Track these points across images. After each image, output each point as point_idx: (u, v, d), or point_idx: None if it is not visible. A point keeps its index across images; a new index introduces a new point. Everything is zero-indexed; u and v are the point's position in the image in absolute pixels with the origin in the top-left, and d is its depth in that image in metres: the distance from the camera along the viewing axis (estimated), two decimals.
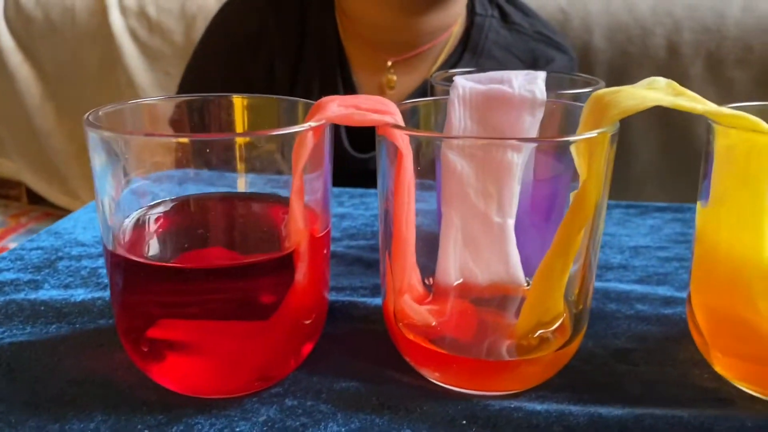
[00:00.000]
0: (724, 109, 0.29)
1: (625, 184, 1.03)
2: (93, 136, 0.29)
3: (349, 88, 0.84)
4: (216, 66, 0.90)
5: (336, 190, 0.64)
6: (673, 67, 0.97)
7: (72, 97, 1.48)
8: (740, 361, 0.33)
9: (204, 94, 0.36)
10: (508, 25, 0.85)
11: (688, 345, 0.37)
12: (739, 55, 0.94)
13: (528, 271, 0.36)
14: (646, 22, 0.98)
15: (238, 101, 0.36)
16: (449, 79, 0.45)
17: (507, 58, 0.84)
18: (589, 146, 0.30)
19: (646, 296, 0.42)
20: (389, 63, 0.84)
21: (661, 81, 0.32)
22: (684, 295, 0.42)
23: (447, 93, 0.38)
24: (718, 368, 0.35)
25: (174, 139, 0.29)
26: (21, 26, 1.45)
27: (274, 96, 0.36)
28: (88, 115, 0.30)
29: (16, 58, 1.47)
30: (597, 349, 0.37)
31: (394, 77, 0.85)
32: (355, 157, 0.87)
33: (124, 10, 1.35)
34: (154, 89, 1.36)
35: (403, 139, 0.30)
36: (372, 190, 0.66)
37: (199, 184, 0.35)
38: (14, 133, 1.59)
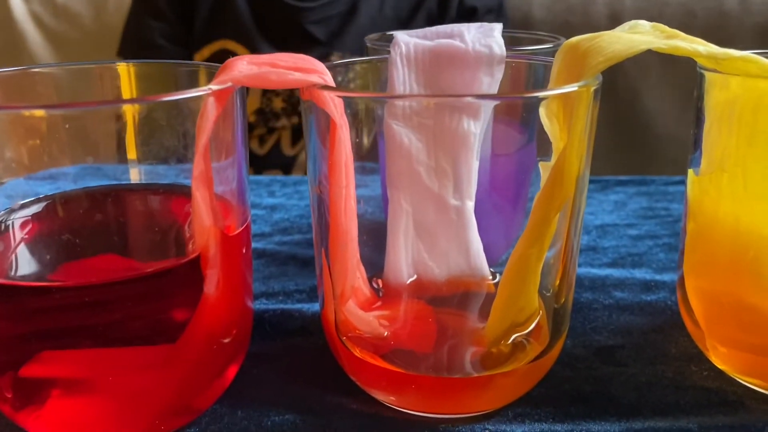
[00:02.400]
0: (732, 52, 0.23)
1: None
2: None
3: None
4: (155, 22, 0.88)
5: (265, 178, 0.57)
6: None
7: None
8: (744, 352, 0.28)
9: (77, 64, 0.28)
10: None
11: (679, 337, 0.32)
12: (683, 21, 0.91)
13: (492, 261, 0.30)
14: None
15: (125, 69, 0.29)
16: (387, 40, 0.38)
17: None
18: (568, 104, 0.24)
19: (623, 282, 0.37)
20: None
21: (645, 24, 0.26)
22: (665, 278, 0.37)
23: (386, 51, 0.31)
24: (718, 362, 0.30)
25: (29, 113, 0.22)
26: None
27: (170, 61, 0.29)
28: None
29: None
30: (577, 348, 0.31)
31: None
32: (287, 5, 0.85)
33: None
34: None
35: (336, 105, 0.23)
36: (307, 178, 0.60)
37: (83, 179, 0.27)
38: None
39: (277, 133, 0.89)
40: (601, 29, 0.77)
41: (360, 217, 0.26)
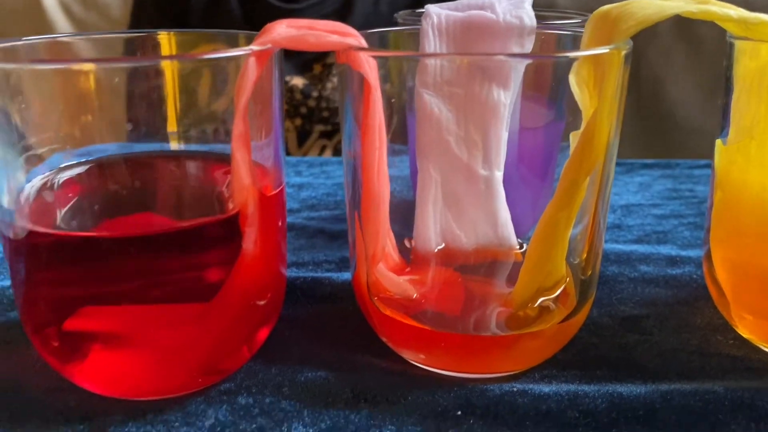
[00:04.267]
0: (764, 16, 0.24)
1: None
2: None
3: None
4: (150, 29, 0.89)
5: (293, 159, 0.58)
6: None
7: None
8: None
9: (126, 31, 0.29)
10: None
11: (705, 308, 0.32)
12: None
13: (519, 232, 0.31)
14: None
15: (165, 38, 0.30)
16: (417, 16, 0.39)
17: None
18: (598, 69, 0.24)
19: (648, 257, 0.37)
20: None
21: None
22: (691, 253, 0.37)
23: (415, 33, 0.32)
24: (744, 331, 0.30)
25: (77, 67, 0.22)
26: None
27: (211, 30, 0.29)
28: None
29: None
30: (603, 318, 0.32)
31: None
32: (276, 7, 0.86)
33: None
34: None
35: (371, 67, 0.24)
36: (334, 158, 0.60)
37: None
38: None
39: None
40: None
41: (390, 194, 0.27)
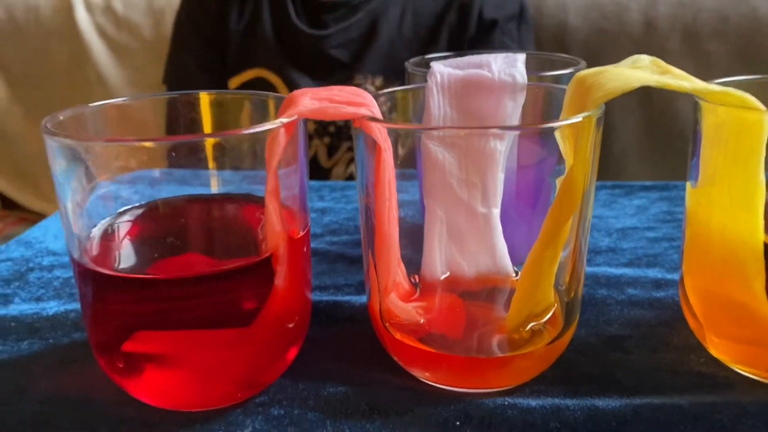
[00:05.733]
0: (713, 86, 0.28)
1: (607, 162, 1.02)
2: (51, 144, 0.28)
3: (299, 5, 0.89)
4: (191, 53, 0.96)
5: (315, 183, 0.62)
6: (650, 43, 0.96)
7: (40, 98, 1.44)
8: (736, 343, 0.33)
9: (171, 93, 0.34)
10: None
11: (682, 329, 0.36)
12: (716, 27, 0.93)
13: (516, 260, 0.35)
14: None
15: (206, 98, 0.34)
16: (425, 65, 0.44)
17: None
18: (575, 131, 0.28)
19: (637, 280, 0.41)
20: None
21: (645, 59, 0.30)
22: (675, 276, 0.41)
23: (423, 79, 0.36)
24: (714, 352, 0.34)
25: (138, 144, 0.27)
26: None
27: (245, 91, 0.34)
28: (45, 122, 0.28)
29: None
30: (590, 337, 0.36)
31: None
32: (306, 34, 0.91)
33: (89, 6, 1.31)
34: (125, 85, 1.33)
35: (381, 132, 0.29)
36: (352, 183, 0.65)
37: (171, 184, 0.33)
38: None
39: (313, 148, 0.95)
40: (634, 36, 0.85)
41: (401, 219, 0.31)
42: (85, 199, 0.30)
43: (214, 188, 0.34)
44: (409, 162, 0.34)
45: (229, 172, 0.33)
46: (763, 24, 0.92)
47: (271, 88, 0.92)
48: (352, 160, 0.95)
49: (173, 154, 0.27)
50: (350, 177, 0.95)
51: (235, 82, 0.94)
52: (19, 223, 1.64)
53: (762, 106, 0.28)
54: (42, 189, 1.56)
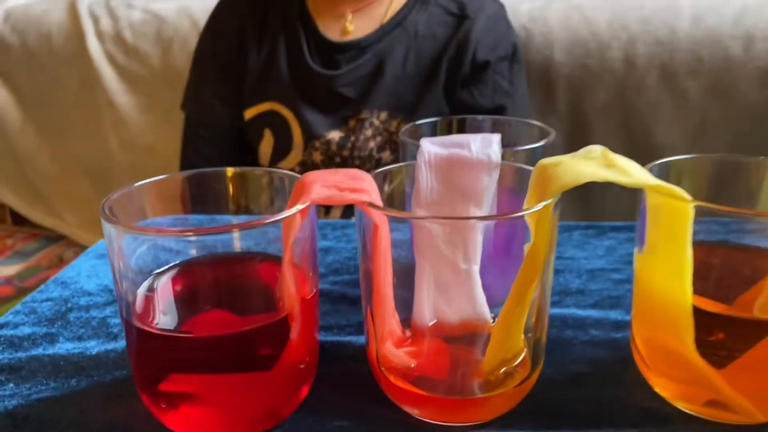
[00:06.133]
0: (649, 179, 0.34)
1: (588, 187, 1.08)
2: (109, 228, 0.34)
3: (311, 37, 0.98)
4: (211, 84, 1.04)
5: (320, 222, 0.69)
6: (629, 79, 1.02)
7: (52, 120, 1.50)
8: (675, 382, 0.39)
9: (200, 171, 0.41)
10: None
11: (633, 367, 0.42)
12: (691, 66, 1.00)
13: (493, 303, 0.41)
14: (603, 37, 1.03)
15: (230, 173, 0.41)
16: (416, 134, 0.50)
17: (448, 5, 1.00)
18: (537, 215, 0.35)
19: (600, 321, 0.48)
20: (348, 14, 0.99)
21: (596, 150, 0.37)
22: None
23: (414, 146, 0.43)
24: (657, 389, 0.40)
25: (180, 234, 0.34)
26: None
27: (263, 169, 0.41)
28: (104, 205, 0.35)
29: None
30: (555, 375, 0.42)
31: (352, 26, 0.99)
32: (319, 73, 0.98)
33: (100, 35, 1.38)
34: (134, 110, 1.39)
35: (378, 216, 0.35)
36: (353, 222, 0.71)
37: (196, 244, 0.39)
38: None
39: None
40: (615, 72, 0.95)
41: (395, 260, 0.37)
42: (127, 264, 0.36)
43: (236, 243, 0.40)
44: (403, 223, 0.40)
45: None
46: (735, 63, 0.99)
47: (283, 120, 0.99)
48: None
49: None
50: (349, 211, 1.01)
51: (250, 112, 1.01)
52: (30, 239, 1.70)
53: (688, 197, 0.34)
54: (52, 206, 1.62)
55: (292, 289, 0.35)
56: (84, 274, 0.57)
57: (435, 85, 0.96)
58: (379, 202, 0.36)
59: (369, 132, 0.96)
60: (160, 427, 0.37)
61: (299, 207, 0.34)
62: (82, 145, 1.49)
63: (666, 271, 0.36)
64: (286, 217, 0.34)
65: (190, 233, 0.33)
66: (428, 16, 0.98)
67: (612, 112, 1.04)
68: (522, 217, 0.35)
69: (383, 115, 0.97)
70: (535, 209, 0.34)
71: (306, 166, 0.99)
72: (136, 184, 0.38)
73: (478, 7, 0.97)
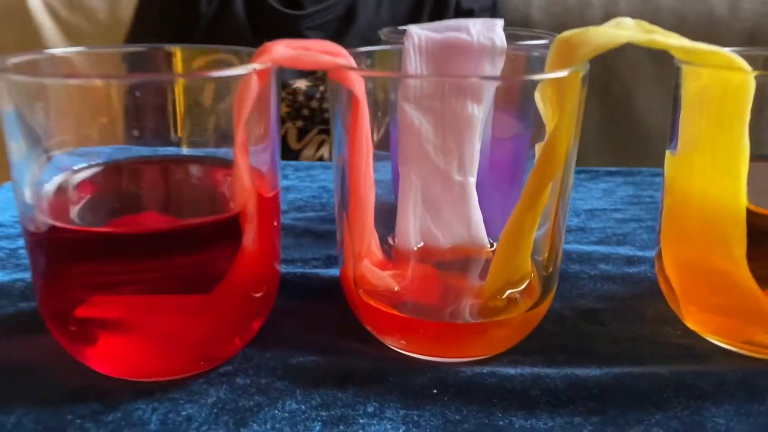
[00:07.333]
0: (701, 45, 0.27)
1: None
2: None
3: None
4: (155, 40, 0.92)
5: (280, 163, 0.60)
6: None
7: None
8: (713, 315, 0.32)
9: (135, 46, 0.32)
10: None
11: (657, 303, 0.35)
12: (674, 25, 0.94)
13: (490, 234, 0.34)
14: None
15: (175, 52, 0.33)
16: (398, 33, 0.42)
17: None
18: (560, 88, 0.28)
19: (608, 256, 0.41)
20: None
21: (628, 21, 0.30)
22: (647, 254, 0.41)
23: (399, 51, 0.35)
24: (690, 323, 0.33)
25: (100, 82, 0.25)
26: None
27: (215, 45, 0.32)
28: None
29: None
30: (564, 310, 0.35)
31: None
32: (281, 13, 0.88)
33: None
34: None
35: (358, 84, 0.27)
36: (318, 163, 0.63)
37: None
38: None
39: (283, 129, 0.93)
40: None
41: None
42: (40, 170, 0.28)
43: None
44: (381, 138, 0.33)
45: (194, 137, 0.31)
46: (720, 22, 0.94)
47: None
48: (322, 143, 0.93)
49: (137, 96, 0.25)
50: (320, 160, 0.93)
51: (195, 64, 0.91)
52: None
53: (748, 67, 0.27)
54: None
55: (245, 180, 0.27)
56: None
57: None
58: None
59: None
60: (73, 364, 0.29)
61: (257, 66, 0.26)
62: None
63: (713, 168, 0.29)
64: (237, 76, 0.26)
65: (114, 79, 0.25)
66: None
67: (591, 73, 0.98)
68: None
69: None
70: (560, 74, 0.27)
71: None
72: (44, 52, 0.30)
73: None
